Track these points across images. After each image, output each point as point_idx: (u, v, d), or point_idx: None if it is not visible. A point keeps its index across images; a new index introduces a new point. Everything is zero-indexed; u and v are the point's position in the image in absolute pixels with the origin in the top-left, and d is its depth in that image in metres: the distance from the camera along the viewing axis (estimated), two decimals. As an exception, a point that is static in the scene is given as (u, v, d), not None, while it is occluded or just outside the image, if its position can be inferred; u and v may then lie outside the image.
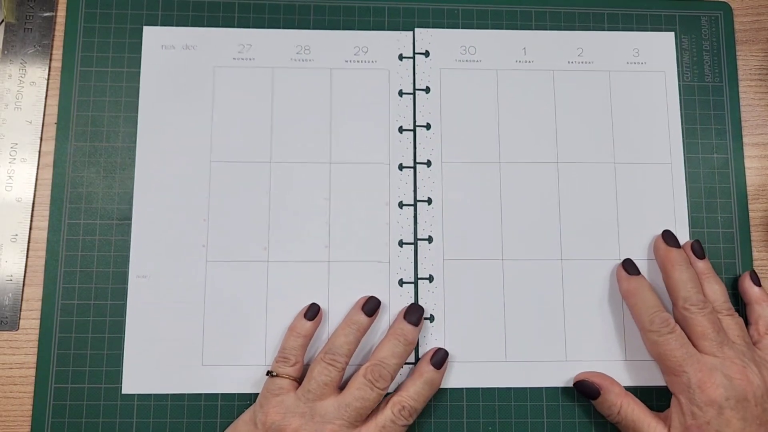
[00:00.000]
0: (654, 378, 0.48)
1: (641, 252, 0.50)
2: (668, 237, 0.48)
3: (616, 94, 0.52)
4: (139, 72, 0.51)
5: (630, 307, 0.47)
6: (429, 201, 0.50)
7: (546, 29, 0.53)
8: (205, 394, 0.47)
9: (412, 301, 0.49)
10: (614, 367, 0.48)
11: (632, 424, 0.44)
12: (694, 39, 0.53)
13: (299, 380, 0.45)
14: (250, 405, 0.47)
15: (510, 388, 0.48)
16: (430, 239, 0.50)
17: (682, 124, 0.52)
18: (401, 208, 0.50)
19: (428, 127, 0.51)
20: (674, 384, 0.43)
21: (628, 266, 0.48)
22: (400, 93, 0.51)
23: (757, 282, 0.48)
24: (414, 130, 0.51)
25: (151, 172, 0.49)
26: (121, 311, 0.48)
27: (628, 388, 0.48)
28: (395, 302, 0.49)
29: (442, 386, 0.48)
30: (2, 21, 0.51)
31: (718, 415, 0.41)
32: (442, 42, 0.52)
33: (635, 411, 0.45)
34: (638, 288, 0.46)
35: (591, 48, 0.53)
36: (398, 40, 0.52)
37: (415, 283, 0.49)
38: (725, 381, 0.41)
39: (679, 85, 0.52)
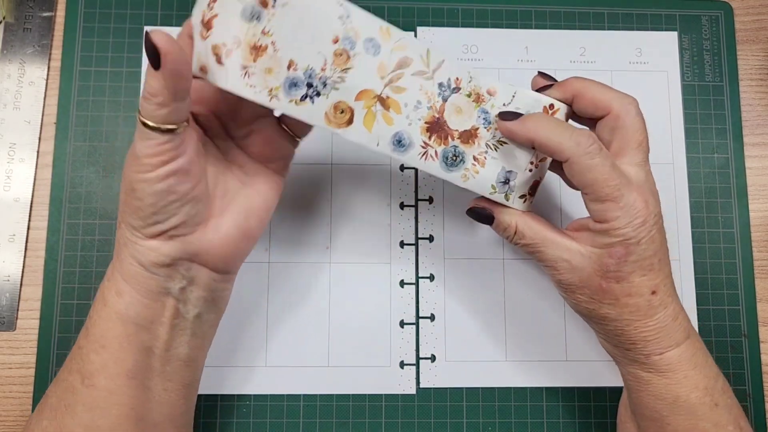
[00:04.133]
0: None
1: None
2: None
3: (617, 95, 0.52)
4: (139, 72, 0.50)
5: (541, 146, 0.38)
6: (430, 200, 0.50)
7: (546, 29, 0.53)
8: (205, 395, 0.47)
9: (413, 302, 0.49)
10: (614, 367, 0.48)
11: (534, 244, 0.40)
12: (694, 38, 0.53)
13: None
14: (250, 406, 0.47)
15: (510, 388, 0.48)
16: (431, 238, 0.50)
17: (683, 124, 0.52)
18: (402, 209, 0.50)
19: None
20: (605, 211, 0.37)
21: (508, 114, 0.39)
22: (402, 93, 0.51)
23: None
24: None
25: (151, 173, 0.49)
26: (120, 311, 0.48)
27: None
28: (396, 303, 0.49)
29: (441, 386, 0.48)
30: (1, 20, 0.50)
31: (648, 233, 0.37)
32: (444, 41, 0.52)
33: (534, 227, 0.40)
34: (539, 121, 0.38)
35: (593, 47, 0.52)
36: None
37: (416, 282, 0.49)
38: (653, 197, 0.38)
39: (680, 84, 0.52)
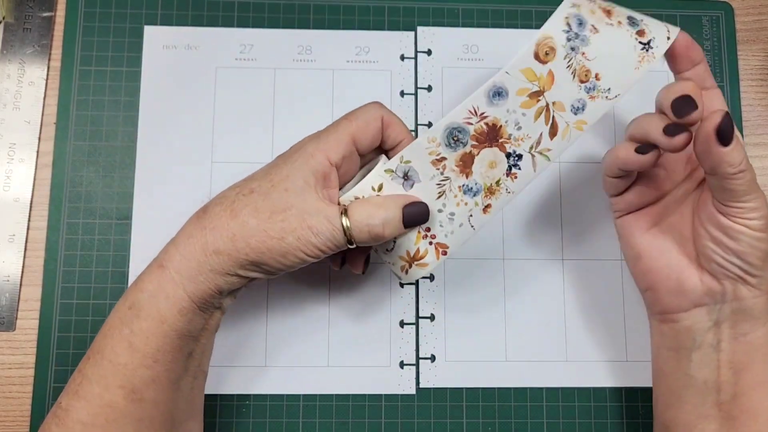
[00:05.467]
0: (655, 378, 0.48)
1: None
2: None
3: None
4: (139, 71, 0.50)
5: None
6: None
7: (546, 29, 0.53)
8: (205, 395, 0.47)
9: (413, 302, 0.49)
10: (614, 367, 0.48)
11: None
12: (695, 39, 0.53)
13: None
14: (249, 406, 0.47)
15: (510, 388, 0.48)
16: (430, 239, 0.49)
17: (683, 125, 0.52)
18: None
19: (430, 126, 0.51)
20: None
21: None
22: (402, 93, 0.51)
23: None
24: (416, 130, 0.51)
25: (151, 172, 0.49)
26: (120, 311, 0.48)
27: (628, 389, 0.48)
28: (396, 303, 0.49)
29: (441, 386, 0.48)
30: (1, 20, 0.50)
31: None
32: (444, 40, 0.52)
33: None
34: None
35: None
36: (400, 40, 0.52)
37: (416, 282, 0.49)
38: None
39: (680, 84, 0.52)
